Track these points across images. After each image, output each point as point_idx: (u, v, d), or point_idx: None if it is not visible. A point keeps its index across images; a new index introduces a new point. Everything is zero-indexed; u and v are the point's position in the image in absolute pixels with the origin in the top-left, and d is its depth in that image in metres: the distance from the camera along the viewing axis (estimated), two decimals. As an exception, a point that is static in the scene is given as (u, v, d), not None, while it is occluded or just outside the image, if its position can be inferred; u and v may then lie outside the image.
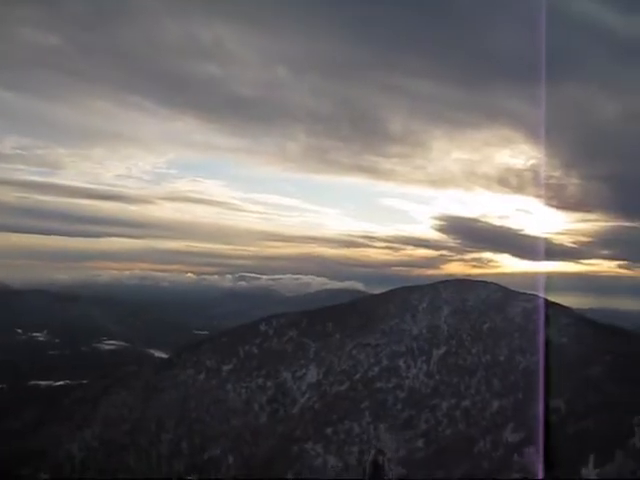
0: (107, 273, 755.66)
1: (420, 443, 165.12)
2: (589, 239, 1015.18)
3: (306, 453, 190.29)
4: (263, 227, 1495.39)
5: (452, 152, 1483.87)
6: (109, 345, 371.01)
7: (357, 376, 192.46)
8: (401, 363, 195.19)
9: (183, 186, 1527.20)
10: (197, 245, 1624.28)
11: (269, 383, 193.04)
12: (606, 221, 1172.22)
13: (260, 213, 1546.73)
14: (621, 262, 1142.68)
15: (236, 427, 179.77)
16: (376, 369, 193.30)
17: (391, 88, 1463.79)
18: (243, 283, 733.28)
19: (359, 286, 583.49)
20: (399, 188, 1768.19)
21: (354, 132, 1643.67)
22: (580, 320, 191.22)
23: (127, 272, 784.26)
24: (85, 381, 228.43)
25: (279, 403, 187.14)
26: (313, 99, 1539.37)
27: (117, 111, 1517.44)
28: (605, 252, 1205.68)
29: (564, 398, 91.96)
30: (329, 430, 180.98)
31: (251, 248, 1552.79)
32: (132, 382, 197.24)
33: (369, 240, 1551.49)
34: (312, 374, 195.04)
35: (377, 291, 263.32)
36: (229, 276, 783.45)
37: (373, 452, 26.74)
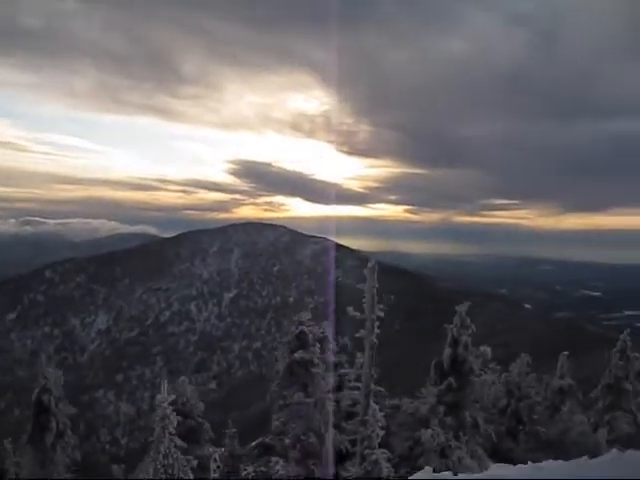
0: None
1: (213, 385, 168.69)
2: (377, 184, 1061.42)
3: (97, 401, 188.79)
4: (49, 168, 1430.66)
5: (246, 95, 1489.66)
6: None
7: (148, 321, 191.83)
8: (192, 307, 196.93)
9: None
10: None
11: (56, 331, 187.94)
12: (394, 167, 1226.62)
13: (46, 154, 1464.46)
14: (407, 207, 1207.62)
15: (22, 378, 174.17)
16: (167, 313, 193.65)
17: (187, 27, 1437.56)
18: (28, 228, 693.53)
19: (151, 230, 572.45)
20: (192, 130, 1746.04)
21: (147, 71, 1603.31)
22: (366, 262, 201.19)
23: None
24: None
25: (68, 351, 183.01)
26: (104, 34, 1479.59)
27: None
28: (392, 197, 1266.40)
29: (349, 336, 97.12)
30: (120, 377, 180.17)
31: (37, 191, 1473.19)
32: None
33: (161, 183, 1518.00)
34: (101, 320, 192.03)
35: (169, 235, 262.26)
36: (13, 220, 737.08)
37: (37, 390, 25.90)
